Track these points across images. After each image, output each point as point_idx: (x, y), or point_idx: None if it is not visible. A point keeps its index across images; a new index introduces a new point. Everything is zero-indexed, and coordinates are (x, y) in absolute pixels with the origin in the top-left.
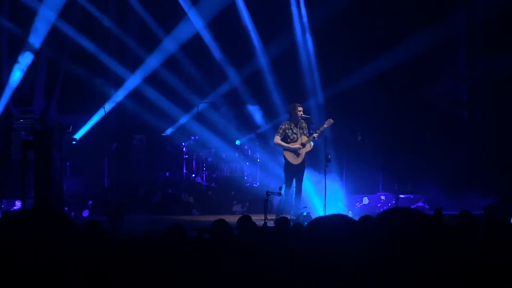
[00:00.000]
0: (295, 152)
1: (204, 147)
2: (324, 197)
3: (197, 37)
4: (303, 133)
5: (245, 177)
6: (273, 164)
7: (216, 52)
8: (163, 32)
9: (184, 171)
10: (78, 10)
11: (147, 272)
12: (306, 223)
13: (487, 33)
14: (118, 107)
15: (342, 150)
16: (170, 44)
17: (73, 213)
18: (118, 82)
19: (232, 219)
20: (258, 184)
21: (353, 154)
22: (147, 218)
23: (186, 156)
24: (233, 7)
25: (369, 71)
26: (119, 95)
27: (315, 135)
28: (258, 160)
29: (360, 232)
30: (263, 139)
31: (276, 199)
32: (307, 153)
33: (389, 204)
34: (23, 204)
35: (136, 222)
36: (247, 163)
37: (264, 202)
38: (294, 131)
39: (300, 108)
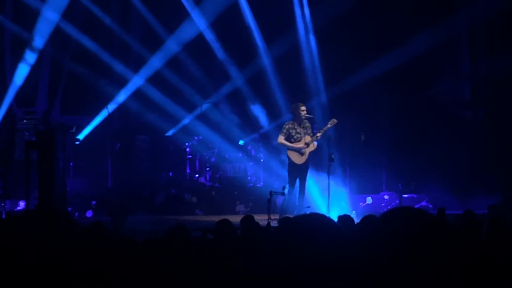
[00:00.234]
0: (299, 151)
1: (207, 147)
2: (328, 197)
3: (200, 37)
4: (306, 133)
5: (249, 177)
6: (277, 164)
7: (219, 52)
8: (166, 32)
9: (188, 171)
10: (81, 10)
11: (150, 272)
12: None
13: (490, 32)
14: (121, 108)
15: (346, 150)
16: (173, 44)
17: (76, 214)
18: (121, 83)
19: (236, 219)
20: (261, 184)
21: (357, 153)
22: (150, 218)
23: (190, 156)
24: (236, 7)
25: (372, 71)
26: (122, 96)
27: (318, 134)
28: (262, 160)
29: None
30: (266, 139)
31: (279, 199)
32: (310, 153)
33: (393, 204)
34: (26, 205)
35: (139, 222)
36: (251, 163)
37: (267, 202)
38: (298, 130)
39: (303, 108)
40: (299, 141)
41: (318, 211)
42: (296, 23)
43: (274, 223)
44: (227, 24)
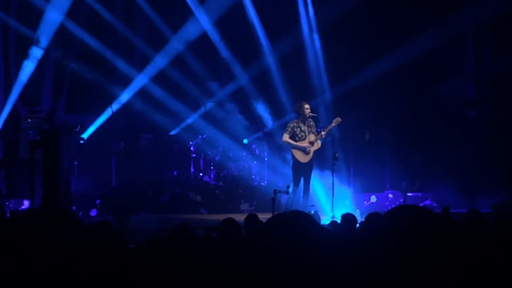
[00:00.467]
0: (304, 150)
1: (211, 146)
2: (332, 196)
3: (204, 36)
4: (311, 132)
5: (253, 176)
6: (281, 163)
7: (223, 51)
8: (171, 32)
9: (192, 170)
10: (85, 9)
11: (154, 270)
12: None
13: (494, 31)
14: (125, 107)
15: (350, 149)
16: (177, 43)
17: (81, 213)
18: (126, 82)
19: (240, 217)
20: (265, 182)
21: (361, 152)
22: (155, 217)
23: (194, 155)
24: (240, 6)
25: (377, 69)
26: (127, 95)
27: (323, 133)
28: (266, 159)
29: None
30: (271, 137)
31: (283, 198)
32: (315, 151)
33: (397, 202)
34: (31, 204)
35: (144, 221)
36: (255, 162)
37: (271, 201)
38: (302, 129)
39: (307, 106)
40: (304, 139)
41: (322, 210)
42: (300, 22)
43: None
44: (231, 23)
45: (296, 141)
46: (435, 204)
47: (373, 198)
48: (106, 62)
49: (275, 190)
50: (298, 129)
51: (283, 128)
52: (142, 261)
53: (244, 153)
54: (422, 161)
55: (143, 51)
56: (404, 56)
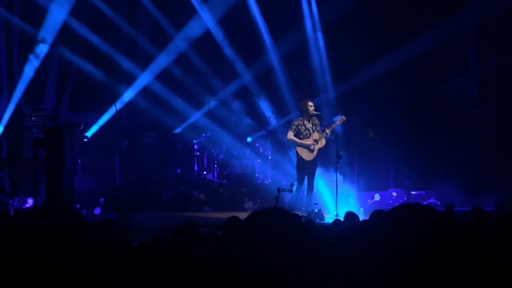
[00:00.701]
0: (308, 148)
1: (215, 144)
2: (336, 194)
3: (207, 34)
4: (315, 130)
5: (257, 174)
6: (285, 161)
7: (226, 49)
8: (174, 30)
9: (196, 168)
10: (89, 7)
11: (157, 269)
12: (317, 220)
13: (498, 29)
14: (129, 105)
15: (354, 147)
16: (180, 41)
17: (85, 211)
18: (129, 80)
19: (244, 216)
20: (269, 181)
21: (365, 150)
22: (159, 215)
23: (198, 153)
24: (244, 4)
25: (380, 67)
26: (130, 93)
27: (327, 131)
28: (270, 157)
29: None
30: (274, 136)
31: (287, 196)
32: (319, 149)
33: (401, 201)
34: (34, 202)
35: (147, 219)
36: (259, 160)
37: (275, 199)
38: (307, 127)
39: (311, 104)
40: (308, 137)
41: (326, 208)
42: (303, 20)
43: None
44: (235, 21)
45: (300, 139)
46: (439, 202)
47: (377, 196)
48: (109, 60)
49: (278, 188)
50: (303, 127)
51: (286, 126)
52: (145, 259)
53: (248, 152)
54: (426, 159)
55: (147, 49)
56: (408, 55)
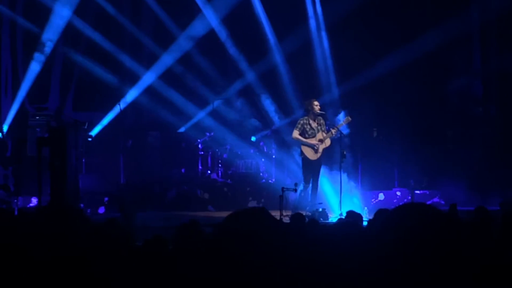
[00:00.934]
0: (313, 147)
1: (219, 144)
2: (340, 193)
3: (211, 34)
4: (320, 129)
5: (261, 174)
6: (289, 160)
7: (231, 48)
8: (178, 29)
9: (200, 167)
10: (93, 7)
11: (161, 268)
12: (321, 219)
13: (501, 28)
14: (133, 104)
15: (358, 146)
16: (184, 41)
17: (89, 210)
18: (133, 79)
19: None
20: (273, 180)
21: (369, 150)
22: (162, 214)
23: (202, 153)
24: (248, 3)
25: (384, 67)
26: (134, 92)
27: (333, 131)
28: (274, 157)
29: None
30: (278, 135)
31: (291, 195)
32: (324, 149)
33: (405, 200)
34: (38, 201)
35: (151, 218)
36: (263, 160)
37: (279, 198)
38: (312, 126)
39: (316, 103)
40: (313, 137)
41: (330, 208)
42: (308, 19)
43: (286, 220)
44: (239, 20)
45: (305, 138)
46: (443, 202)
47: (381, 196)
48: (113, 59)
49: (283, 188)
50: (308, 126)
51: (290, 125)
52: (148, 257)
53: (252, 151)
54: (430, 158)
55: (151, 48)
56: (411, 54)
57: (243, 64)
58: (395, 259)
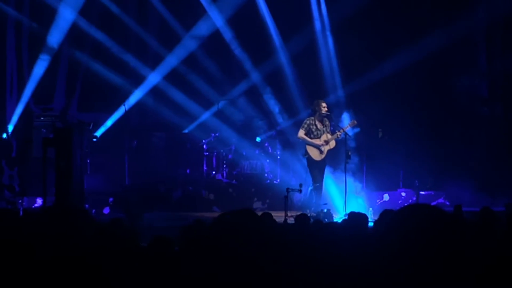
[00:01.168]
0: (318, 148)
1: (224, 144)
2: (345, 194)
3: (217, 34)
4: (326, 131)
5: (266, 174)
6: (294, 161)
7: (236, 49)
8: (183, 30)
9: (205, 168)
10: (98, 7)
11: (164, 268)
12: (326, 219)
13: (507, 29)
14: (138, 105)
15: (363, 147)
16: (190, 41)
17: (94, 210)
18: (138, 80)
19: None
20: (278, 181)
21: (374, 150)
22: (167, 215)
23: (207, 153)
24: (253, 4)
25: (390, 67)
26: (139, 93)
27: (338, 133)
28: (279, 157)
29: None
30: (283, 136)
31: (296, 196)
32: (329, 150)
33: (410, 201)
34: (44, 202)
35: (156, 219)
36: (268, 160)
37: (284, 199)
38: (318, 127)
39: (324, 105)
40: (319, 137)
41: (335, 208)
42: (313, 20)
43: (291, 220)
44: (244, 20)
45: (311, 138)
46: (447, 203)
47: (386, 197)
48: (118, 60)
49: (288, 189)
50: (314, 127)
51: (295, 126)
52: (152, 257)
53: (257, 151)
54: (435, 159)
55: (156, 49)
56: (417, 55)
57: (248, 65)
58: (399, 260)
